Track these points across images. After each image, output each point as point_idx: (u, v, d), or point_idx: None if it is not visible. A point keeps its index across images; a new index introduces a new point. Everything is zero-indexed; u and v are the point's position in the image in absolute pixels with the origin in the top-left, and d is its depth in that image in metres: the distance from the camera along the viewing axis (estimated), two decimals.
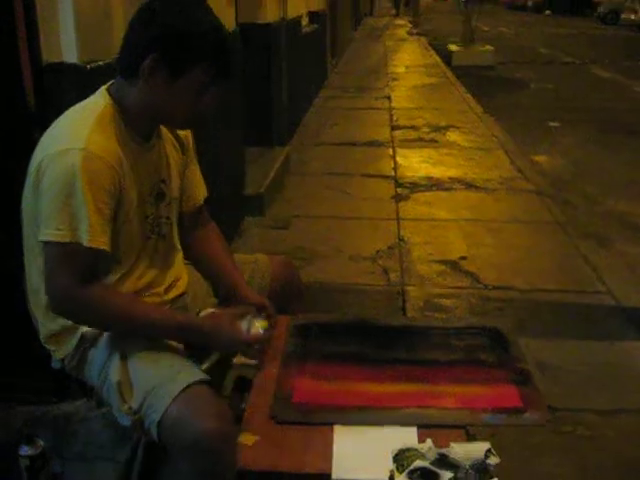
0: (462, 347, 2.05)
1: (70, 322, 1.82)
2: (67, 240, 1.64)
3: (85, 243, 1.65)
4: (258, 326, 1.89)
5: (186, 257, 2.14)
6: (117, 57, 1.77)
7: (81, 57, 2.28)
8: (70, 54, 2.28)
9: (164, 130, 1.93)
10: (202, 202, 2.14)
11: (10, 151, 1.76)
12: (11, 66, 2.23)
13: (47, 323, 1.87)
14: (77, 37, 2.28)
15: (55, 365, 1.95)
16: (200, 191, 2.13)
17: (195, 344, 1.90)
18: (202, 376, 1.71)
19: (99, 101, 1.77)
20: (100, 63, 2.33)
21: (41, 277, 1.78)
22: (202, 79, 1.71)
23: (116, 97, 1.77)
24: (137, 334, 1.81)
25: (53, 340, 1.89)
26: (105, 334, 1.83)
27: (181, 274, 2.08)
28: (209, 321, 1.89)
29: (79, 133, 1.67)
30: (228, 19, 4.44)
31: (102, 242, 1.68)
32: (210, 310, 2.01)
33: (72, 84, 2.20)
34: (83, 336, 1.84)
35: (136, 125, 1.79)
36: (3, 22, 2.21)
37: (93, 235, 1.66)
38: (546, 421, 1.80)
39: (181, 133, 2.01)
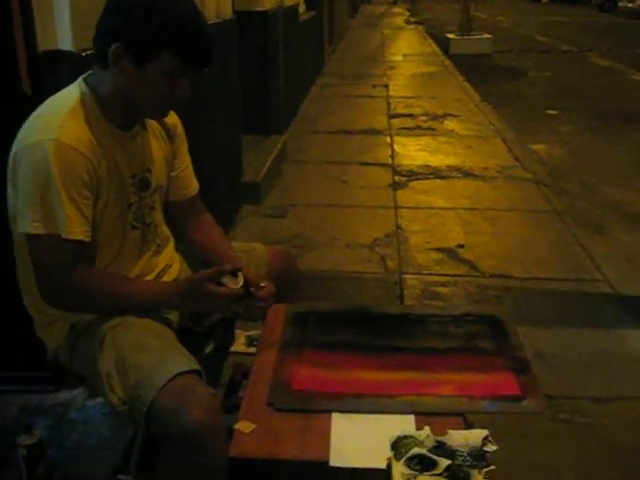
0: (460, 335, 2.04)
1: (58, 313, 1.82)
2: (43, 232, 1.64)
3: (63, 235, 1.65)
4: (225, 281, 1.83)
5: (183, 246, 2.14)
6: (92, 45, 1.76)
7: (76, 44, 2.27)
8: (65, 41, 2.27)
9: (150, 120, 1.92)
10: (194, 193, 2.13)
11: (5, 138, 1.75)
12: (6, 53, 2.22)
13: (37, 314, 1.88)
14: (72, 24, 2.27)
15: (49, 357, 1.95)
16: (192, 182, 2.12)
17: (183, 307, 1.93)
18: (190, 365, 1.69)
19: (74, 91, 1.75)
20: None
21: (26, 269, 1.78)
22: (169, 67, 1.68)
23: (93, 86, 1.76)
24: (128, 310, 1.82)
25: (45, 331, 1.89)
26: (94, 324, 1.82)
27: (172, 261, 2.07)
28: (184, 282, 1.88)
29: (51, 124, 1.66)
30: (225, 6, 4.42)
31: (80, 232, 1.68)
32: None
33: (67, 71, 2.18)
34: (73, 326, 1.84)
35: (113, 114, 1.77)
36: None
37: (70, 226, 1.65)
38: (543, 409, 1.81)
39: (169, 122, 1.99)
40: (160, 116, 1.89)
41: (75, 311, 1.82)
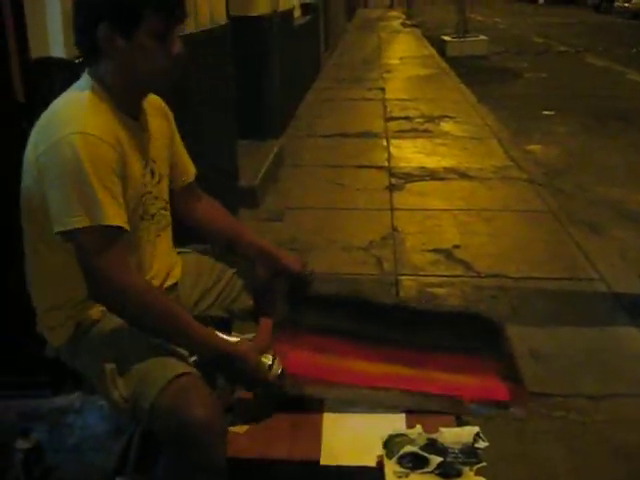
0: (453, 333, 2.06)
1: (66, 310, 1.81)
2: (86, 224, 1.60)
3: (103, 222, 1.61)
4: (277, 367, 1.77)
5: (192, 227, 2.15)
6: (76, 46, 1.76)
7: (69, 51, 2.29)
8: (58, 48, 2.28)
9: (147, 107, 1.91)
10: (193, 178, 2.13)
11: None
12: (0, 61, 2.23)
13: (43, 310, 1.87)
14: (64, 31, 2.28)
15: (49, 354, 1.95)
16: (190, 167, 2.13)
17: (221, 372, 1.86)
18: (191, 368, 1.71)
19: (84, 85, 1.75)
20: None
21: (41, 267, 1.80)
22: (156, 27, 1.68)
23: (99, 79, 1.75)
24: (170, 339, 1.76)
25: (49, 329, 1.88)
26: (99, 323, 1.82)
27: (174, 261, 2.07)
28: (239, 354, 1.76)
29: (73, 118, 1.65)
30: (219, 12, 4.44)
31: (119, 220, 1.65)
32: (239, 338, 1.88)
33: (60, 78, 2.20)
34: (79, 325, 1.84)
35: (123, 103, 1.77)
36: None
37: (108, 215, 1.62)
38: (526, 415, 1.83)
39: (160, 103, 2.00)
40: (168, 83, 1.85)
41: (119, 312, 1.75)
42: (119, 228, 1.66)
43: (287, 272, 2.13)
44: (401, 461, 1.60)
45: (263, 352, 1.78)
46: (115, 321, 1.81)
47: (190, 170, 2.13)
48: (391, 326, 2.04)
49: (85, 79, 1.77)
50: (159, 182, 1.93)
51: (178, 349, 1.79)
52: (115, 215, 1.65)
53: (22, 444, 2.16)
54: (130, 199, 1.76)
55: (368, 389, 1.77)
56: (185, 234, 2.22)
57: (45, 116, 1.73)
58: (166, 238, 2.03)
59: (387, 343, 1.95)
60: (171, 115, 2.06)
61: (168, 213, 2.01)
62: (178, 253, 2.13)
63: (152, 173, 1.89)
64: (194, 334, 1.73)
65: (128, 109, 1.80)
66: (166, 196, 1.98)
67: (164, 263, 2.00)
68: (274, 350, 1.81)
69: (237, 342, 1.80)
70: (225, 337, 1.80)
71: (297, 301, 2.09)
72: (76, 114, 1.67)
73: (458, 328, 2.08)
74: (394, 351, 1.92)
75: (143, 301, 1.69)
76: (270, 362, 1.76)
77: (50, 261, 1.80)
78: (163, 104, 2.03)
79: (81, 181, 1.61)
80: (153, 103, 1.96)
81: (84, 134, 1.62)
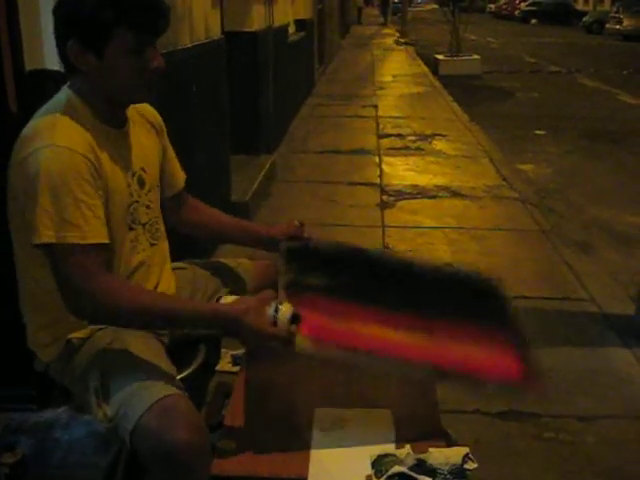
0: (460, 297, 1.91)
1: (57, 329, 1.81)
2: (56, 240, 1.58)
3: (78, 240, 1.59)
4: (285, 311, 1.65)
5: (185, 232, 2.16)
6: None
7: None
8: (52, 61, 2.28)
9: (135, 116, 1.90)
10: (183, 184, 2.12)
11: None
12: None
13: (35, 327, 1.86)
14: None
15: (38, 368, 1.93)
16: (181, 174, 2.12)
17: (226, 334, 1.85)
18: (177, 388, 1.68)
19: (61, 98, 1.74)
20: None
21: (32, 282, 1.78)
22: (128, 44, 1.66)
23: (77, 91, 1.74)
24: (164, 326, 1.80)
25: (40, 345, 1.87)
26: (89, 341, 1.81)
27: (169, 274, 2.04)
28: (236, 310, 1.67)
29: (43, 132, 1.64)
30: (214, 27, 4.45)
31: (95, 235, 1.63)
32: (232, 298, 1.85)
33: (54, 90, 2.18)
34: (69, 342, 1.82)
35: (102, 114, 1.75)
36: None
37: (84, 230, 1.60)
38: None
39: (150, 115, 1.98)
40: (148, 96, 1.83)
41: (100, 322, 1.78)
42: (93, 245, 1.62)
43: (284, 237, 2.20)
44: None
45: (264, 304, 1.65)
46: (103, 340, 1.80)
47: (181, 177, 2.12)
48: (398, 286, 1.90)
49: (63, 91, 1.76)
50: (150, 191, 1.91)
51: (165, 368, 1.77)
52: (90, 232, 1.62)
53: (7, 458, 2.14)
54: (115, 208, 1.74)
55: (386, 357, 1.67)
56: (182, 249, 2.22)
57: (22, 131, 1.70)
58: (161, 249, 2.00)
59: (397, 306, 1.80)
60: (163, 126, 2.04)
61: (162, 223, 1.99)
62: (174, 269, 2.11)
63: (142, 182, 1.87)
64: (182, 313, 1.69)
65: (108, 119, 1.77)
66: (158, 206, 1.97)
67: (159, 274, 1.98)
68: (280, 299, 1.70)
69: (232, 302, 1.75)
70: (221, 302, 1.80)
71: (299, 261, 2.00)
72: (48, 127, 1.65)
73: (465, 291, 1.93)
74: (405, 317, 1.78)
75: (116, 309, 1.64)
76: (273, 312, 1.63)
77: (38, 280, 1.77)
78: (154, 114, 2.01)
79: (53, 195, 1.58)
80: (144, 113, 1.95)
81: (53, 146, 1.60)
